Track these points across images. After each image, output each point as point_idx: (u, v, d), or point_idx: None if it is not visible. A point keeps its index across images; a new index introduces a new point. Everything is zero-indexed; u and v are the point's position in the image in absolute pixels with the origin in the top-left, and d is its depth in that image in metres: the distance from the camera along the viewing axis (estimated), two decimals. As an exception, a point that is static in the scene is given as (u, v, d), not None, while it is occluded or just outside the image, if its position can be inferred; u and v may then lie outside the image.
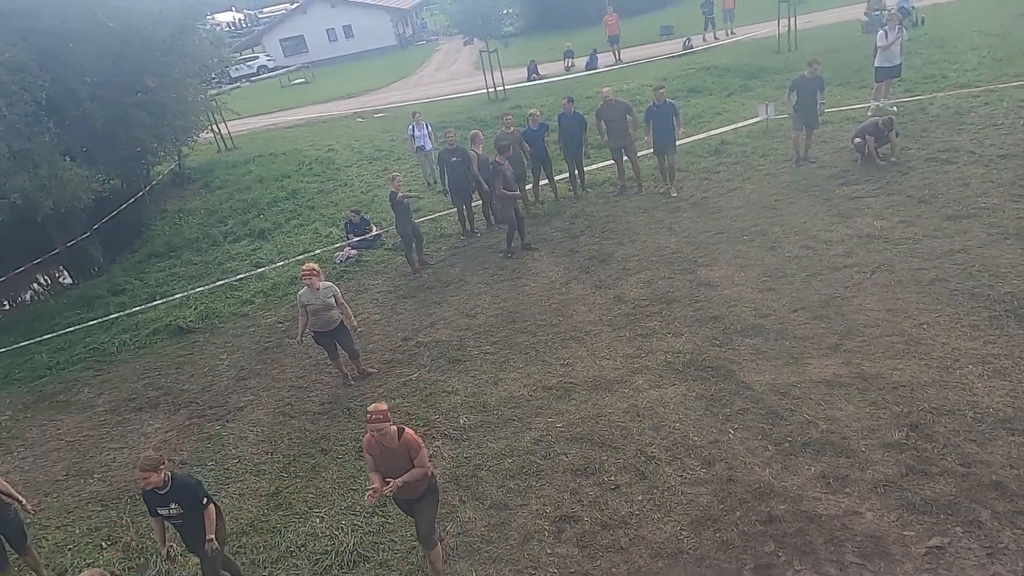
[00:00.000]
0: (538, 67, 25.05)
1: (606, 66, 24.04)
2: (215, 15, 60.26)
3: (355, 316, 9.63)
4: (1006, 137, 10.70)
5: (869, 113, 12.71)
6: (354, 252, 11.80)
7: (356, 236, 11.98)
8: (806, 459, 5.41)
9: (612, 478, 5.68)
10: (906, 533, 4.60)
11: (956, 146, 10.79)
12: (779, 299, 7.76)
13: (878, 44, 12.62)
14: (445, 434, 6.76)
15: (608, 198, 11.95)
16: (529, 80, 24.23)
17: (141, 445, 7.80)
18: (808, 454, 5.45)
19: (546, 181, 12.30)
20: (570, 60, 25.87)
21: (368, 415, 4.58)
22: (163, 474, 4.73)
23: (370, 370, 8.14)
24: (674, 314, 7.93)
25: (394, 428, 4.63)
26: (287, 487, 6.52)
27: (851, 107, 13.72)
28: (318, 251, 12.16)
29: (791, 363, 6.61)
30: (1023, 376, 5.78)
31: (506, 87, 21.97)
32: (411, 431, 4.76)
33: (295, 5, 53.47)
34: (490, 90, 21.80)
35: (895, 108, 13.00)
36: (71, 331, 11.15)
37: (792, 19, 20.09)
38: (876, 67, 12.94)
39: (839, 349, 6.66)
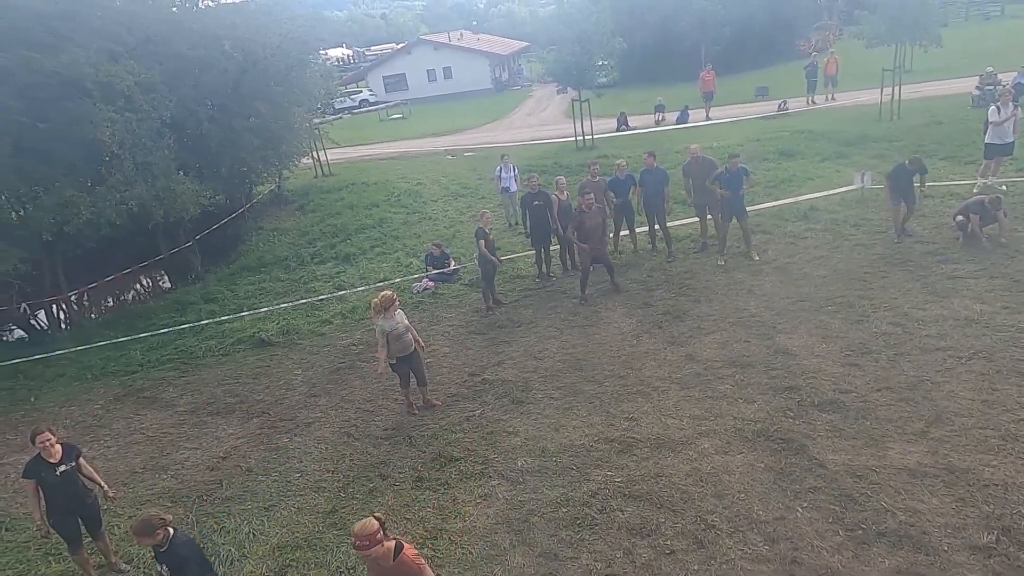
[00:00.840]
0: (628, 119, 25.30)
1: (696, 122, 24.01)
2: (327, 50, 64.51)
3: (426, 347, 9.93)
4: None
5: (975, 191, 12.10)
6: (431, 284, 12.12)
7: (435, 268, 12.31)
8: (880, 550, 5.07)
9: (668, 542, 5.50)
10: (989, 648, 4.22)
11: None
12: (862, 376, 7.40)
13: (990, 120, 12.08)
14: (502, 474, 6.74)
15: (688, 254, 11.81)
16: (618, 131, 24.48)
17: (214, 448, 8.18)
18: (883, 545, 5.10)
19: (626, 232, 12.30)
20: (660, 114, 26.01)
21: (352, 539, 3.96)
22: (160, 536, 4.49)
23: (435, 402, 8.27)
24: (748, 379, 7.68)
25: (389, 546, 4.01)
26: (344, 507, 6.66)
27: (955, 183, 13.10)
28: (398, 280, 12.56)
29: (871, 445, 6.26)
30: None
31: (594, 136, 22.27)
32: (410, 550, 4.10)
33: (401, 46, 56.53)
34: (578, 138, 22.15)
35: (1004, 187, 12.31)
36: (164, 332, 11.91)
37: (897, 88, 19.53)
38: (986, 143, 12.36)
39: (926, 436, 6.25)
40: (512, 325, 10.19)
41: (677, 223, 12.99)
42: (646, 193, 11.64)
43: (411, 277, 12.57)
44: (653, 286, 10.72)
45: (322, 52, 59.61)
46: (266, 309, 12.24)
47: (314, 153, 22.59)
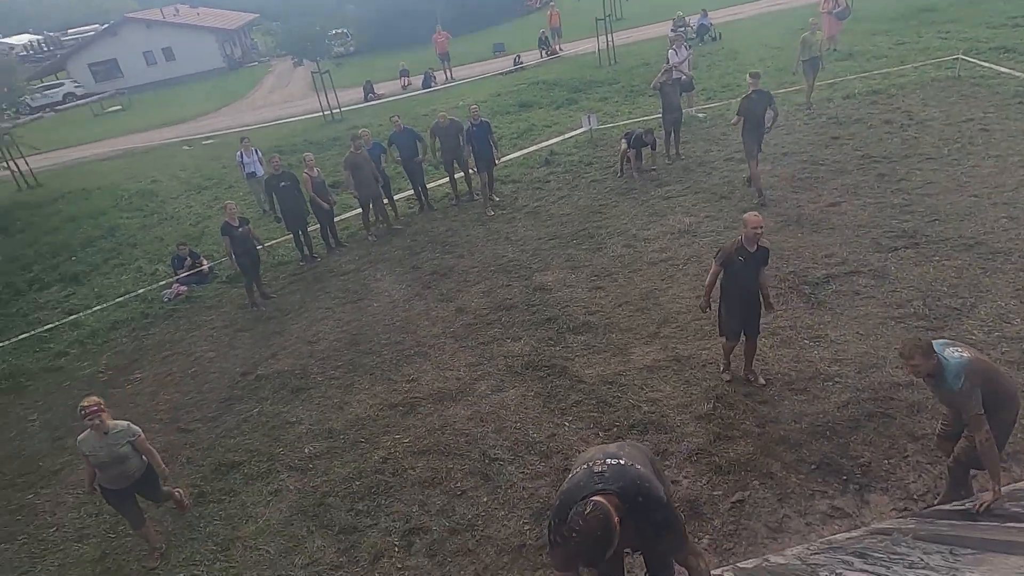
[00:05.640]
0: (374, 87, 24.97)
1: (441, 84, 24.47)
2: (6, 37, 53.87)
3: (188, 356, 9.16)
4: (786, 136, 12.26)
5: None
6: (184, 288, 11.10)
7: (185, 272, 11.26)
8: (632, 439, 5.87)
9: (458, 484, 5.83)
10: (715, 493, 5.16)
11: (748, 146, 12.19)
12: (606, 296, 8.36)
13: (669, 61, 13.96)
14: (290, 466, 6.56)
15: (447, 213, 12.19)
16: (366, 100, 24.08)
17: (-67, 530, 6.81)
18: (633, 435, 5.92)
19: (387, 200, 12.30)
20: (406, 79, 26.05)
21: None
22: None
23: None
24: (513, 319, 8.27)
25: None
26: (115, 549, 6.02)
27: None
28: (142, 290, 11.29)
29: (617, 354, 7.15)
30: (803, 343, 6.68)
31: (342, 108, 21.68)
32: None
33: (104, 27, 49.13)
34: (325, 112, 21.40)
35: (702, 115, 14.45)
36: None
37: (610, 35, 21.66)
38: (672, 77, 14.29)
39: (657, 336, 7.30)
40: (281, 314, 9.77)
41: (433, 184, 13.29)
42: (402, 155, 11.76)
43: (159, 285, 11.37)
44: (418, 249, 10.94)
45: (2, 40, 49.63)
46: (-24, 355, 10.29)
47: (9, 163, 19.05)
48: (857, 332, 6.64)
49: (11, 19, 67.71)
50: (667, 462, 5.54)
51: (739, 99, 10.20)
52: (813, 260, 8.09)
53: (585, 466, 3.12)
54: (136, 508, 5.66)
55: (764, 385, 6.17)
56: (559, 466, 5.75)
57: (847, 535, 4.51)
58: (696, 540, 4.75)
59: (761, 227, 5.69)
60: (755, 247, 5.75)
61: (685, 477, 5.37)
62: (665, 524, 3.00)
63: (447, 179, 12.45)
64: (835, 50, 17.07)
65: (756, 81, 9.80)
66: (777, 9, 25.99)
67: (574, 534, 2.77)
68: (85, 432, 5.35)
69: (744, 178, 10.70)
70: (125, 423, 5.50)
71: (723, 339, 6.27)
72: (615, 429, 6.05)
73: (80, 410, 5.27)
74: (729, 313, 6.09)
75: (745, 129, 9.87)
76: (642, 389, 6.49)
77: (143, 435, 5.53)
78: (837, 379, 6.07)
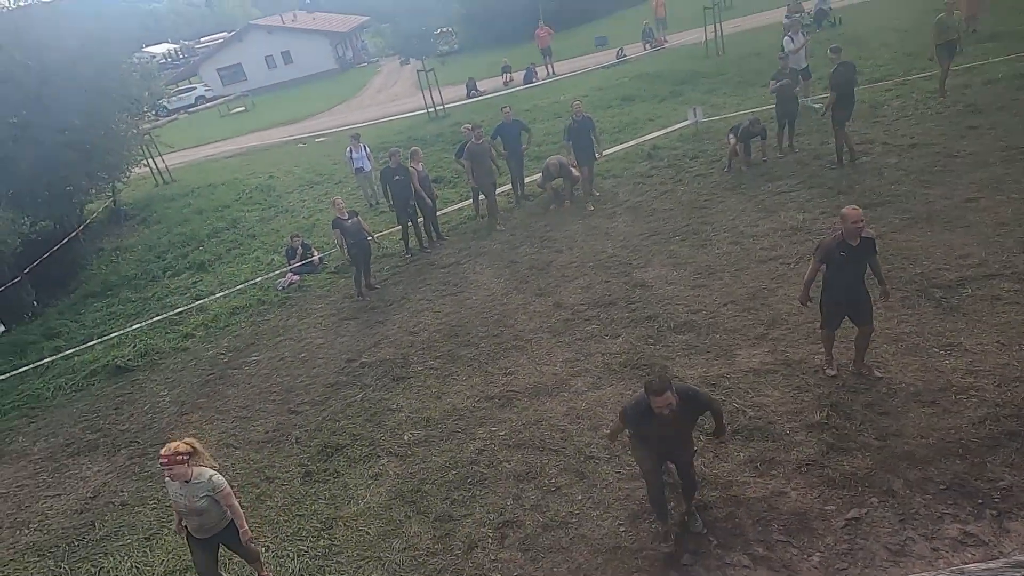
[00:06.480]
0: (477, 84, 25.33)
1: (543, 79, 24.45)
2: (148, 47, 59.08)
3: (299, 342, 9.65)
4: (915, 127, 11.30)
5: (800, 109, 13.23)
6: (296, 278, 11.72)
7: (297, 262, 11.89)
8: (735, 446, 5.61)
9: (553, 480, 5.78)
10: (827, 508, 4.82)
11: (871, 138, 11.35)
12: (710, 295, 8.03)
13: (786, 49, 13.21)
14: (390, 452, 6.76)
15: (546, 208, 12.16)
16: (469, 97, 24.47)
17: (79, 491, 7.58)
18: (737, 441, 5.65)
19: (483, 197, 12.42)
20: (508, 75, 26.25)
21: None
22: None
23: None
24: (611, 316, 8.11)
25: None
26: (231, 519, 6.42)
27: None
28: (259, 279, 12.03)
29: (721, 355, 6.84)
30: (932, 351, 6.12)
31: (445, 105, 22.14)
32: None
33: (231, 34, 52.92)
34: (430, 109, 21.94)
35: (819, 105, 13.59)
36: (2, 379, 10.75)
37: (718, 25, 20.83)
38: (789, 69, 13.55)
39: (765, 338, 6.92)
40: (384, 305, 10.10)
41: (531, 178, 13.29)
42: (508, 146, 11.89)
43: (274, 274, 12.07)
44: (517, 244, 10.97)
45: (145, 49, 54.45)
46: (118, 334, 11.34)
47: (149, 161, 20.88)
48: (997, 341, 6.00)
49: (154, 30, 74.30)
50: (774, 471, 5.24)
51: (829, 74, 10.75)
52: (945, 261, 7.39)
53: None
54: (212, 564, 5.21)
55: (880, 379, 5.78)
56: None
57: (983, 565, 4.07)
58: (805, 556, 4.46)
59: (862, 220, 5.42)
60: (857, 240, 5.40)
61: (794, 489, 5.05)
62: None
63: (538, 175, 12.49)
64: (975, 31, 15.54)
65: (838, 55, 10.59)
66: (906, -10, 24.00)
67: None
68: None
69: (785, 146, 11.65)
70: (208, 474, 4.93)
71: (823, 330, 6.00)
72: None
73: (158, 458, 4.93)
74: (832, 306, 5.82)
75: (837, 103, 10.29)
76: (748, 393, 6.17)
77: (227, 488, 4.99)
78: (972, 392, 5.51)
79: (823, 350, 6.18)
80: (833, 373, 6.05)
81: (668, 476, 5.15)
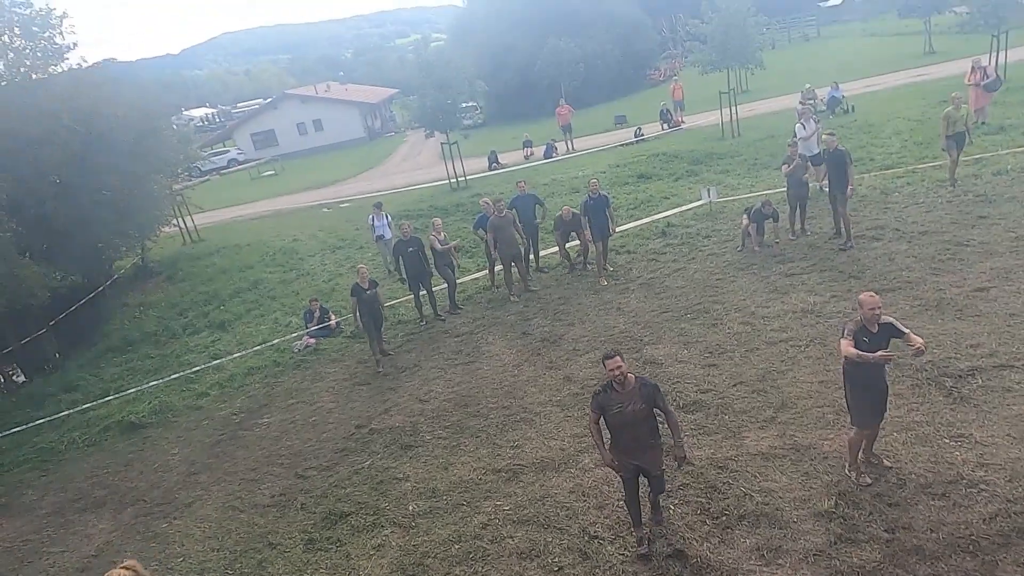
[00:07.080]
0: (498, 156, 26.17)
1: (563, 154, 25.23)
2: (189, 110, 62.00)
3: (310, 405, 9.75)
4: (926, 215, 11.48)
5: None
6: (313, 341, 11.93)
7: (314, 325, 12.12)
8: (742, 532, 5.54)
9: (556, 559, 5.72)
10: (834, 602, 4.72)
11: (882, 224, 11.53)
12: (720, 375, 8.05)
13: (798, 136, 13.61)
14: (394, 522, 6.73)
15: (560, 281, 12.37)
16: (490, 169, 25.25)
17: (84, 547, 7.59)
18: (743, 527, 5.58)
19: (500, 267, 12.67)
20: (529, 149, 27.12)
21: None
22: None
23: None
24: (620, 392, 8.13)
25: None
26: (231, 585, 6.39)
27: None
28: (276, 340, 12.25)
29: (730, 437, 6.82)
30: (942, 442, 6.07)
31: (467, 176, 22.85)
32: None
33: (267, 101, 55.43)
34: (452, 180, 22.64)
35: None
36: (18, 431, 10.91)
37: (734, 108, 21.55)
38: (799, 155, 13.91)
39: (774, 421, 6.91)
40: (397, 371, 10.21)
41: (546, 252, 13.58)
42: (522, 218, 12.19)
43: (291, 336, 12.30)
44: (530, 315, 11.13)
45: (184, 113, 57.13)
46: (135, 390, 11.52)
47: (179, 220, 21.63)
48: (1008, 434, 5.95)
49: (194, 95, 78.21)
50: (780, 560, 5.16)
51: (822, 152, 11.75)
52: (956, 350, 7.40)
53: None
54: None
55: (890, 468, 5.70)
56: (661, 551, 5.50)
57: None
58: (811, 653, 4.35)
59: (879, 307, 5.40)
60: (876, 327, 5.42)
61: (800, 580, 4.96)
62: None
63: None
64: (983, 123, 15.93)
65: (834, 140, 10.98)
66: (917, 80, 24.77)
67: None
68: None
69: (797, 228, 11.97)
70: None
71: (853, 430, 5.76)
72: (724, 517, 5.73)
73: None
74: (859, 398, 5.64)
75: (831, 182, 11.00)
76: (755, 477, 6.13)
77: None
78: (983, 486, 5.43)
79: (847, 453, 5.84)
80: (868, 482, 5.68)
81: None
